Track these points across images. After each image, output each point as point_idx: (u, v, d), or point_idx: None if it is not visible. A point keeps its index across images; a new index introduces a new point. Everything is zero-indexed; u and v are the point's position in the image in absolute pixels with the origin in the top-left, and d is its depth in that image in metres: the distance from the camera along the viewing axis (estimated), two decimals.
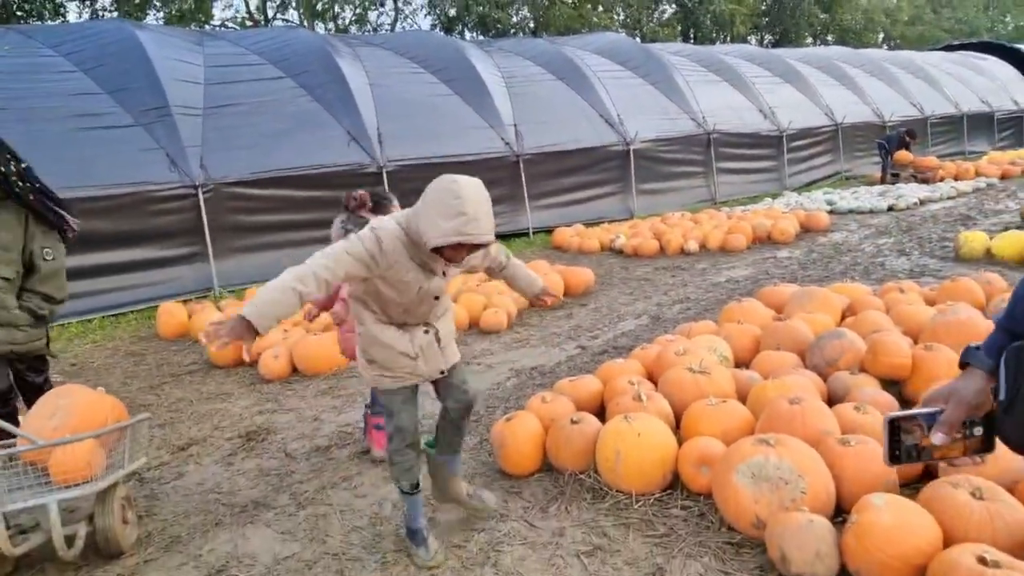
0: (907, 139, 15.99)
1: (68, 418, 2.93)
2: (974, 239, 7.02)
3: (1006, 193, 12.50)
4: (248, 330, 2.10)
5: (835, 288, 5.25)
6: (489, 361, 5.38)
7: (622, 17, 32.26)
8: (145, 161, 8.71)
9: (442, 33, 24.32)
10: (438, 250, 2.28)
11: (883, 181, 15.68)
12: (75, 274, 8.08)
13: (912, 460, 1.35)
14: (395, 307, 2.47)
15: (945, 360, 3.42)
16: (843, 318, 4.72)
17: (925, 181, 15.04)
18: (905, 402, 3.50)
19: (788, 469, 2.55)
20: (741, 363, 4.26)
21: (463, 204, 2.16)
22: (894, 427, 1.33)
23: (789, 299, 4.92)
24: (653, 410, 3.29)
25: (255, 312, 2.11)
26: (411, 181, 10.34)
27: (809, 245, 9.03)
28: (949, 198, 12.35)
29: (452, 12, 26.79)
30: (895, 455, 1.33)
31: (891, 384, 3.56)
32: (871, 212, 11.50)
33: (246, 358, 2.25)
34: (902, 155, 15.99)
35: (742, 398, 3.52)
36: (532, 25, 28.48)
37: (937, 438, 1.33)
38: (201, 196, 8.75)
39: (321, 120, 10.28)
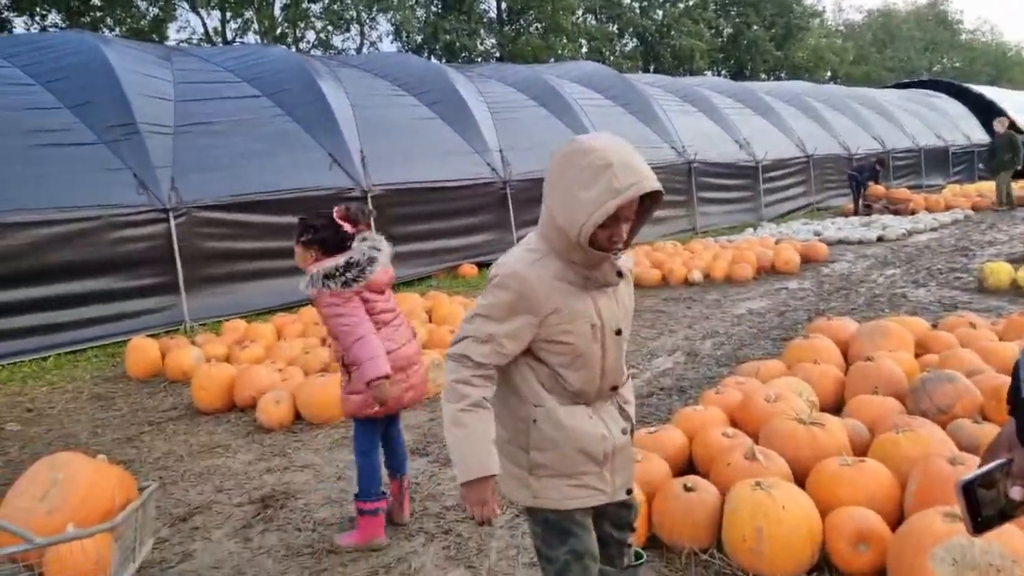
0: (878, 168, 16.21)
1: (66, 498, 2.27)
2: (1000, 270, 6.83)
3: (985, 224, 12.61)
4: (486, 484, 1.64)
5: (892, 321, 4.89)
6: None
7: (585, 50, 32.53)
8: (110, 182, 7.91)
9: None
10: (591, 241, 1.61)
11: (856, 212, 15.80)
12: (29, 307, 7.25)
13: (998, 522, 1.21)
14: (578, 371, 1.72)
15: None
16: (916, 355, 4.35)
17: (897, 212, 15.21)
18: None
19: (999, 554, 2.08)
20: (824, 408, 3.82)
21: (603, 154, 1.56)
22: (969, 492, 1.18)
23: (856, 335, 4.53)
24: (774, 472, 2.79)
25: (472, 467, 1.63)
26: (396, 206, 9.82)
27: (815, 276, 8.77)
28: (932, 229, 12.38)
29: (419, 39, 26.47)
30: (979, 522, 1.19)
31: None
32: (860, 243, 11.40)
33: (498, 511, 1.77)
34: (876, 188, 16.19)
35: (856, 454, 3.06)
36: (498, 55, 28.39)
37: (1017, 492, 1.18)
38: (172, 221, 7.99)
39: (301, 141, 9.64)
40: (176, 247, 8.03)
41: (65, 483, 2.31)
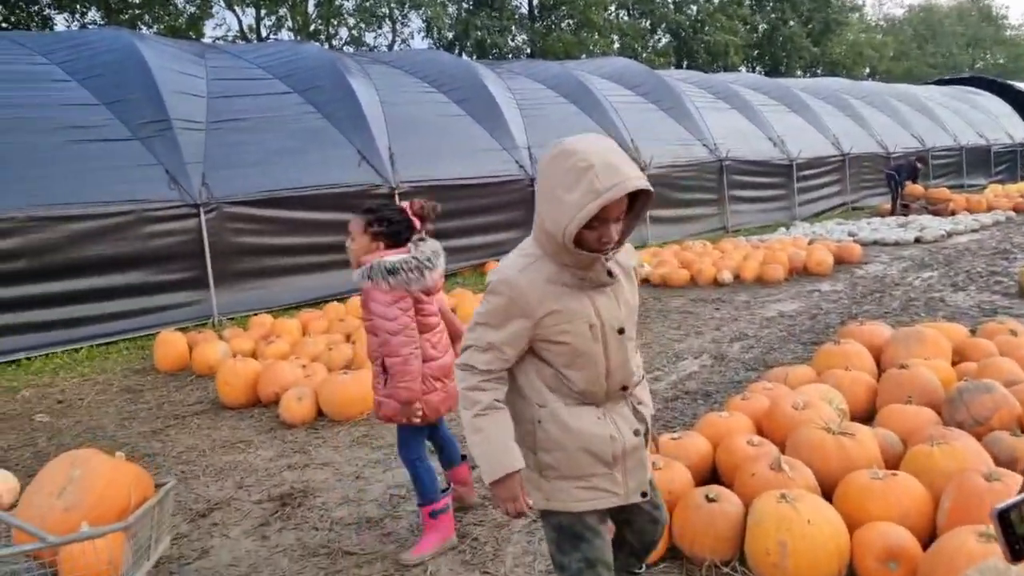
0: (919, 165, 15.76)
1: (83, 496, 2.28)
2: None
3: None
4: (513, 480, 1.68)
5: (928, 327, 4.73)
6: None
7: (617, 46, 32.25)
8: (143, 177, 8.04)
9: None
10: (580, 243, 1.61)
11: (893, 212, 15.40)
12: (63, 300, 7.39)
13: None
14: (581, 371, 1.71)
15: None
16: (953, 363, 4.19)
17: (937, 213, 14.78)
18: None
19: None
20: (855, 416, 3.70)
21: (584, 156, 1.56)
22: (1005, 519, 1.11)
23: (890, 341, 4.38)
24: (800, 483, 2.70)
25: (495, 467, 1.68)
26: None
27: (849, 278, 8.56)
28: (972, 231, 12.01)
29: (450, 35, 26.49)
30: (1016, 549, 1.12)
31: None
32: (897, 244, 11.11)
33: (529, 503, 1.75)
34: (914, 188, 15.77)
35: (888, 466, 2.94)
36: (529, 51, 28.29)
37: None
38: (203, 216, 8.09)
39: (330, 138, 9.69)
40: (206, 242, 8.13)
41: (82, 480, 2.32)
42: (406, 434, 2.94)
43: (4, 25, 20.23)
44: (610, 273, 1.69)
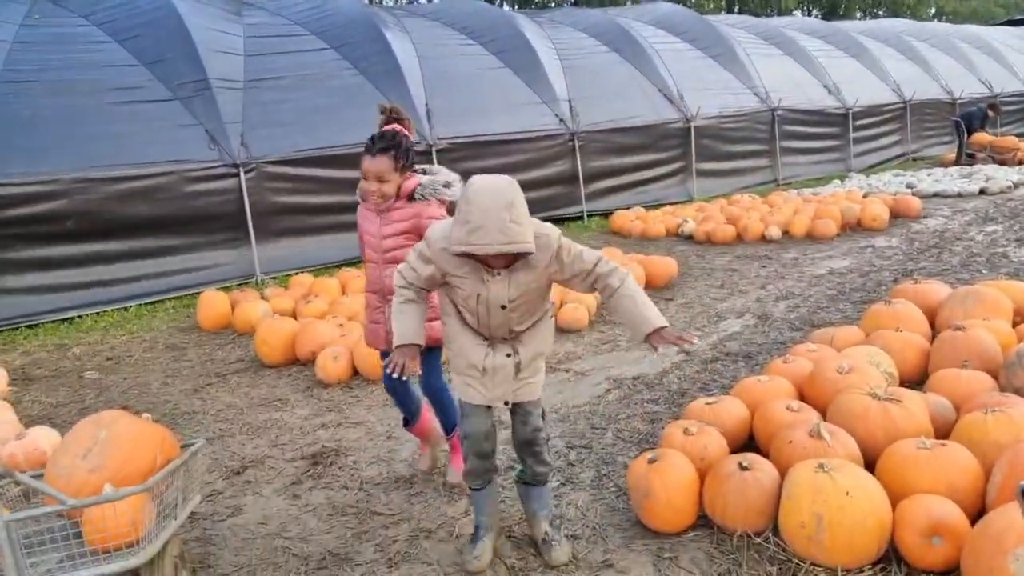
0: (990, 114, 14.84)
1: (108, 457, 2.30)
2: None
3: None
4: (413, 349, 2.37)
5: (989, 285, 4.44)
6: (579, 367, 4.68)
7: None
8: (183, 138, 8.08)
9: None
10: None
11: (957, 162, 14.58)
12: (110, 258, 7.57)
13: None
14: (469, 315, 2.37)
15: None
16: (1013, 324, 3.93)
17: (1003, 163, 13.94)
18: None
19: None
20: (905, 381, 3.51)
21: (469, 211, 2.06)
22: None
23: (946, 300, 4.13)
24: (841, 452, 2.56)
25: (403, 336, 2.36)
26: (462, 161, 9.65)
27: (905, 232, 8.15)
28: None
29: None
30: None
31: None
32: (959, 196, 10.54)
33: (417, 371, 2.46)
34: (980, 136, 14.88)
35: (939, 435, 2.78)
36: (574, 1, 27.43)
37: None
38: (243, 176, 8.12)
39: (367, 94, 9.55)
40: (247, 201, 8.17)
41: (108, 442, 2.33)
42: (436, 361, 3.00)
43: None
44: (497, 274, 2.24)
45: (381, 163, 2.78)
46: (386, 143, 2.79)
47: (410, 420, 3.20)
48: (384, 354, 2.95)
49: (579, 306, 5.58)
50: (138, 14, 9.37)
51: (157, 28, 9.04)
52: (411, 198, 2.83)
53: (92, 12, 9.37)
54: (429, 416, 3.22)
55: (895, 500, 2.34)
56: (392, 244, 2.87)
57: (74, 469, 2.27)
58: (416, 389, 3.15)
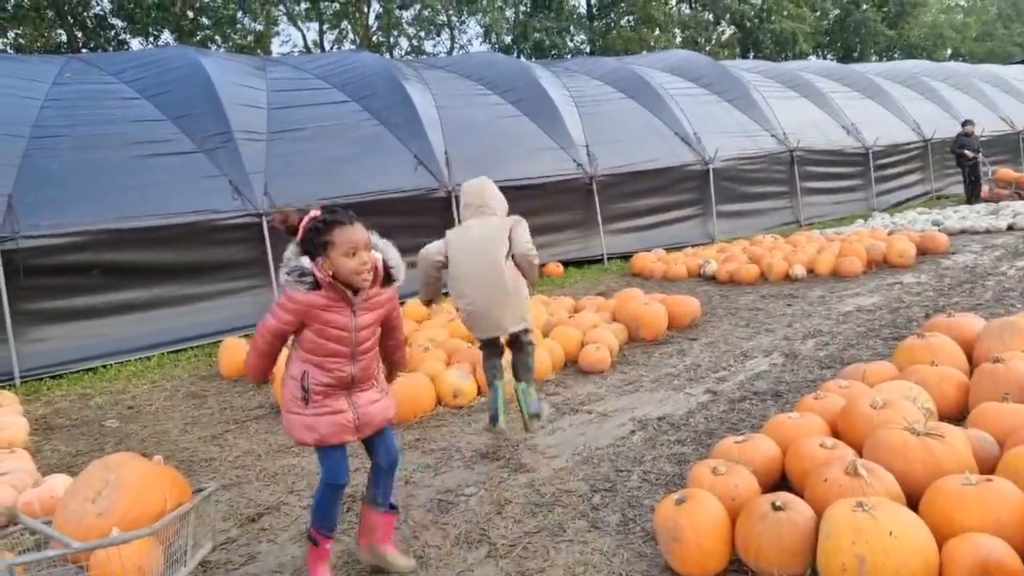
0: (969, 128, 14.70)
1: (116, 500, 2.24)
2: None
3: None
4: None
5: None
6: (602, 408, 4.55)
7: (679, 40, 31.57)
8: (208, 189, 8.24)
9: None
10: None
11: (969, 200, 14.34)
12: (134, 307, 7.65)
13: None
14: None
15: None
16: None
17: None
18: None
19: None
20: (943, 417, 3.36)
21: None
22: None
23: (982, 333, 3.98)
24: (880, 490, 2.43)
25: None
26: None
27: (934, 269, 7.98)
28: None
29: (508, 39, 26.48)
30: None
31: None
32: (988, 232, 10.34)
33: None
34: (1006, 172, 14.72)
35: (982, 471, 2.63)
36: (589, 50, 27.99)
37: None
38: (265, 224, 8.23)
39: (387, 144, 9.73)
40: (269, 249, 8.25)
41: (116, 485, 2.28)
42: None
43: (83, 49, 21.34)
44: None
45: (363, 230, 2.48)
46: (321, 214, 2.48)
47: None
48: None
49: (600, 347, 5.48)
50: (166, 71, 9.70)
51: (184, 84, 9.34)
52: (388, 279, 2.57)
53: (122, 70, 9.70)
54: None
55: (940, 539, 2.19)
56: (367, 335, 2.54)
57: (84, 513, 2.21)
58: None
